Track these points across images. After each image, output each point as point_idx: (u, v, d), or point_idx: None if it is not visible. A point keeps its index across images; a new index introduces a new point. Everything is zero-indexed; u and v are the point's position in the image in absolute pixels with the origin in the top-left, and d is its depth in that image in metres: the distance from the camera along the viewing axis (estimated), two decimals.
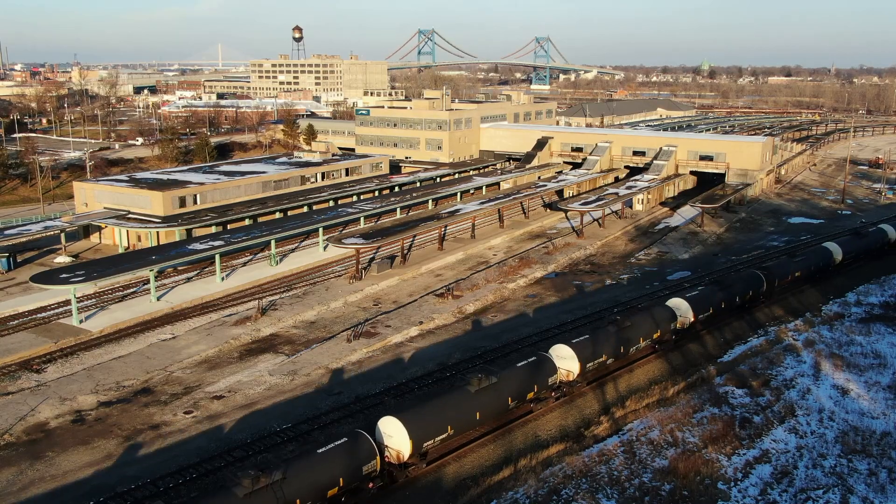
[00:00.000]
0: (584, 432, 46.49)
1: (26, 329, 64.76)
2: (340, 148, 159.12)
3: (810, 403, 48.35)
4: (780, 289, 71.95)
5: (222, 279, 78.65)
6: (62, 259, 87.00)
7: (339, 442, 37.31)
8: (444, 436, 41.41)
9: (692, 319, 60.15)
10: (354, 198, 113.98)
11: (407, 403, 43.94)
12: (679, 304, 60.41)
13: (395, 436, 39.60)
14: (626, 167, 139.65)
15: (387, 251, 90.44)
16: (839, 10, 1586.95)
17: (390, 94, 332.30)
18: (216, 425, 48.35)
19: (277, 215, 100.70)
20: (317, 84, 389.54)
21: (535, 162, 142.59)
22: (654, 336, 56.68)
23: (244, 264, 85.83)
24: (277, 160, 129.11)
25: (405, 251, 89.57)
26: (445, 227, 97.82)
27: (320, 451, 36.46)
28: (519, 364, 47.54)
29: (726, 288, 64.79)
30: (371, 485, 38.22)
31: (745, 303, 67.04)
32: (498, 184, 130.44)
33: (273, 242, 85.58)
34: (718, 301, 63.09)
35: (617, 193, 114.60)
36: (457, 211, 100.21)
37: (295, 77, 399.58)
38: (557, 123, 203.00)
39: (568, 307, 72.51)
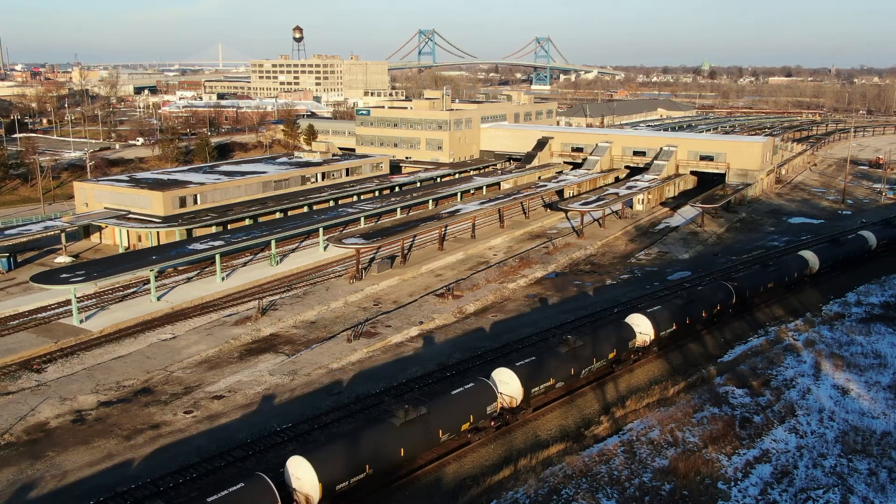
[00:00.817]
0: (584, 432, 46.48)
1: (26, 329, 64.79)
2: (341, 148, 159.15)
3: (810, 403, 48.35)
4: (752, 301, 67.88)
5: (222, 279, 78.67)
6: (62, 259, 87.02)
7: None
8: (360, 476, 37.32)
9: (653, 337, 55.85)
10: (355, 198, 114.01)
11: (319, 441, 40.19)
12: (639, 321, 55.90)
13: (303, 477, 35.55)
14: (627, 167, 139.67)
15: (387, 251, 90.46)
16: (839, 10, 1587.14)
17: (391, 95, 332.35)
18: (216, 425, 48.36)
19: (278, 215, 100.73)
20: (317, 84, 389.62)
21: (535, 162, 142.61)
22: (610, 356, 52.19)
23: (244, 264, 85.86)
24: (278, 160, 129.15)
25: (405, 251, 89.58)
26: (446, 227, 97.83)
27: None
28: (454, 392, 42.97)
29: (692, 302, 60.44)
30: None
31: (712, 317, 62.90)
32: (498, 184, 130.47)
33: (273, 242, 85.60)
34: (683, 317, 58.70)
35: (617, 193, 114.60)
36: (457, 211, 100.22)
37: (295, 77, 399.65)
38: (558, 124, 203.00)
39: (568, 307, 72.51)
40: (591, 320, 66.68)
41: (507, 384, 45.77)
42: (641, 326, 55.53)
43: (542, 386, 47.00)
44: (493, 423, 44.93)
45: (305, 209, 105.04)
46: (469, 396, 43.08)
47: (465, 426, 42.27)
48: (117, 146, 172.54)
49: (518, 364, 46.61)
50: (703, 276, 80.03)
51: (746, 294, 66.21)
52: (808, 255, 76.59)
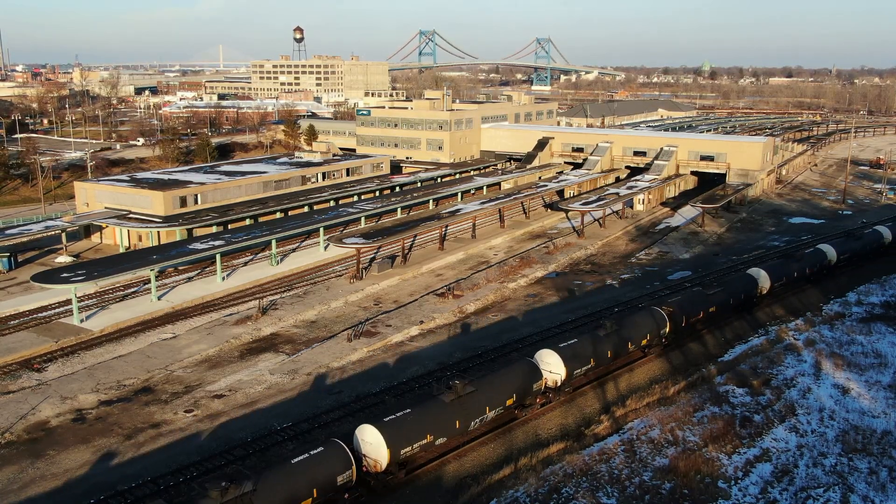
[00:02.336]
0: (584, 431, 46.49)
1: (27, 328, 64.82)
2: (341, 148, 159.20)
3: (811, 402, 48.35)
4: (691, 328, 61.16)
5: (223, 279, 78.69)
6: (63, 259, 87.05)
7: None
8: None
9: (564, 377, 48.68)
10: (355, 198, 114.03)
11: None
12: (549, 359, 48.75)
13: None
14: (627, 167, 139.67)
15: (387, 251, 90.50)
16: (840, 10, 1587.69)
17: (391, 95, 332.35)
18: (217, 424, 48.38)
19: (278, 215, 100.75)
20: (318, 85, 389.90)
21: (535, 162, 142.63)
22: (508, 403, 44.83)
23: (245, 264, 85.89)
24: (278, 160, 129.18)
25: (406, 251, 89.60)
26: (446, 226, 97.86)
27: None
28: (295, 460, 35.49)
29: (616, 332, 53.17)
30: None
31: (642, 349, 56.73)
32: (499, 184, 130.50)
33: (274, 242, 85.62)
34: (603, 351, 51.70)
35: (618, 193, 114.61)
36: (457, 211, 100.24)
37: (296, 78, 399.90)
38: (558, 124, 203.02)
39: (568, 307, 72.52)
40: (488, 358, 57.78)
41: (371, 444, 38.62)
42: (552, 364, 48.38)
43: (416, 445, 39.76)
44: (346, 496, 37.42)
45: (306, 209, 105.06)
46: (316, 463, 36.14)
47: (308, 502, 35.36)
48: (118, 146, 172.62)
49: (387, 419, 39.26)
50: (639, 300, 72.11)
51: (684, 322, 58.82)
52: (758, 273, 69.62)
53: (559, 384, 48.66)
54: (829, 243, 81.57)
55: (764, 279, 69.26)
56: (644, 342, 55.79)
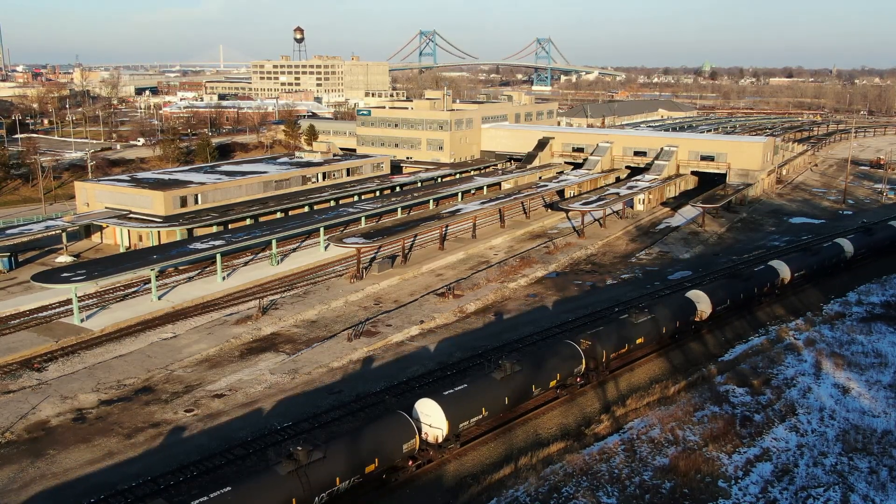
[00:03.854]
0: (584, 431, 46.50)
1: (27, 328, 64.84)
2: (342, 148, 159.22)
3: (811, 402, 48.35)
4: (609, 365, 53.65)
5: (223, 279, 78.70)
6: (63, 259, 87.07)
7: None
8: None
9: (446, 432, 41.16)
10: (355, 198, 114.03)
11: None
12: (430, 409, 41.33)
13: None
14: (628, 167, 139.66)
15: (388, 251, 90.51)
16: (840, 11, 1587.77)
17: (391, 95, 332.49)
18: (217, 423, 48.39)
19: (278, 215, 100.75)
20: (318, 85, 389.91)
21: (536, 162, 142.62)
22: (368, 470, 37.45)
23: (245, 264, 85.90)
24: (278, 160, 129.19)
25: (406, 251, 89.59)
26: (446, 226, 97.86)
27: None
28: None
29: (517, 374, 45.75)
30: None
31: (554, 389, 49.45)
32: (499, 184, 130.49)
33: (274, 242, 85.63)
34: (499, 398, 44.17)
35: (618, 193, 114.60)
36: (458, 211, 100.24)
37: (296, 78, 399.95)
38: (559, 124, 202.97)
39: (568, 306, 72.53)
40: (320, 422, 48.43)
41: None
42: (431, 417, 41.34)
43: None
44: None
45: (306, 209, 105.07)
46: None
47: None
48: (118, 146, 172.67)
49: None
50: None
51: (604, 357, 51.98)
52: (697, 295, 62.39)
53: (440, 441, 41.14)
54: (783, 259, 73.88)
55: (704, 303, 61.61)
56: (553, 383, 48.40)
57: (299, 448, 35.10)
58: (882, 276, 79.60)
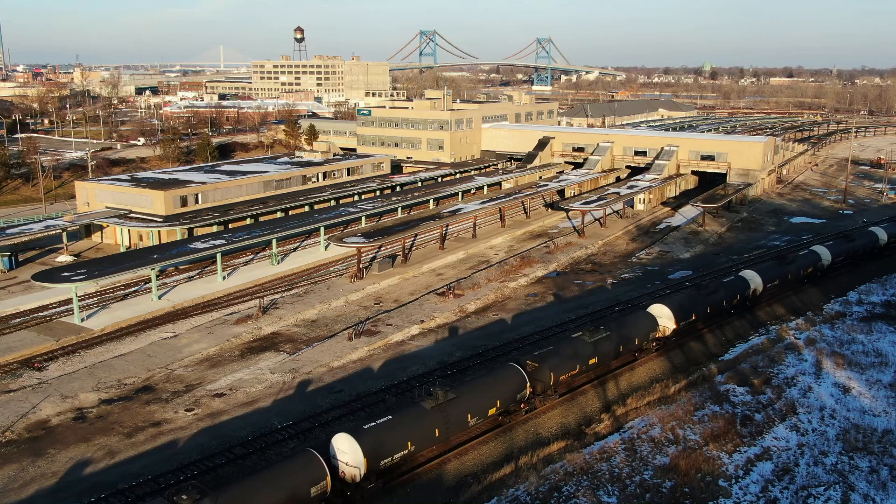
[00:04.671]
0: (585, 430, 46.50)
1: (28, 327, 64.83)
2: (342, 148, 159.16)
3: (811, 401, 48.33)
4: (557, 387, 48.95)
5: (223, 278, 78.69)
6: (64, 258, 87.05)
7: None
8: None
9: (364, 470, 37.48)
10: (356, 197, 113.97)
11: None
12: (347, 446, 37.60)
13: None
14: (628, 167, 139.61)
15: (388, 250, 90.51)
16: (841, 11, 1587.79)
17: (392, 95, 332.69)
18: (217, 422, 48.38)
19: (279, 215, 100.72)
20: (318, 85, 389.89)
21: (536, 162, 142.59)
22: None
23: (245, 263, 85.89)
24: (279, 160, 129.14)
25: (406, 250, 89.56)
26: (447, 226, 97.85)
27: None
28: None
29: (450, 403, 41.69)
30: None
31: (501, 410, 45.05)
32: (499, 183, 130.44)
33: (274, 242, 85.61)
34: (427, 430, 40.49)
35: (618, 193, 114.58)
36: (458, 210, 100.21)
37: (297, 78, 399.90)
38: (559, 124, 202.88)
39: (569, 306, 72.52)
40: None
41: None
42: (347, 454, 37.62)
43: None
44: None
45: (306, 209, 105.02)
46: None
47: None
48: (118, 146, 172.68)
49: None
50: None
51: (552, 379, 47.96)
52: (660, 311, 58.06)
53: (358, 480, 37.75)
54: (755, 269, 69.44)
55: (667, 318, 57.69)
56: (493, 410, 44.48)
57: (184, 496, 31.75)
58: (882, 276, 79.54)
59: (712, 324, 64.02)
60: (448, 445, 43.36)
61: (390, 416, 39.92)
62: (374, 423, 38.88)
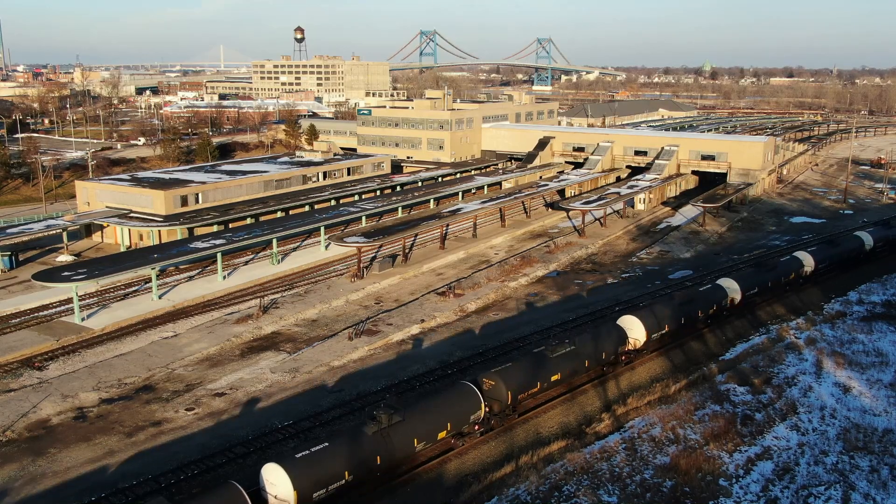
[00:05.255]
0: (585, 429, 46.48)
1: (28, 327, 64.84)
2: (342, 148, 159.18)
3: (812, 401, 48.30)
4: (519, 407, 46.29)
5: (224, 278, 78.69)
6: (64, 258, 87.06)
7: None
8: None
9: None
10: (356, 197, 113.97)
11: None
12: (276, 477, 34.74)
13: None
14: (628, 167, 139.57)
15: (388, 250, 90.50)
16: (841, 11, 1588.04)
17: (392, 95, 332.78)
18: (218, 422, 48.37)
19: (279, 214, 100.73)
20: (319, 85, 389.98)
21: (536, 162, 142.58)
22: None
23: (246, 263, 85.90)
24: (279, 160, 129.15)
25: (407, 250, 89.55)
26: (447, 226, 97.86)
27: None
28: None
29: (394, 427, 39.01)
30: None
31: (452, 433, 42.38)
32: (499, 183, 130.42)
33: (275, 241, 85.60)
34: (368, 459, 37.68)
35: (619, 193, 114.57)
36: (458, 210, 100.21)
37: (297, 78, 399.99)
38: (559, 124, 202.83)
39: (569, 305, 72.52)
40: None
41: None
42: (277, 487, 34.74)
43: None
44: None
45: (307, 208, 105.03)
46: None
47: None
48: (119, 146, 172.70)
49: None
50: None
51: (509, 399, 44.82)
52: (630, 323, 54.99)
53: None
54: (733, 277, 66.62)
55: (638, 330, 54.97)
56: (444, 434, 41.58)
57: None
58: (883, 276, 79.47)
59: (688, 334, 60.50)
60: (393, 474, 39.94)
61: (326, 444, 36.74)
62: (307, 451, 35.81)
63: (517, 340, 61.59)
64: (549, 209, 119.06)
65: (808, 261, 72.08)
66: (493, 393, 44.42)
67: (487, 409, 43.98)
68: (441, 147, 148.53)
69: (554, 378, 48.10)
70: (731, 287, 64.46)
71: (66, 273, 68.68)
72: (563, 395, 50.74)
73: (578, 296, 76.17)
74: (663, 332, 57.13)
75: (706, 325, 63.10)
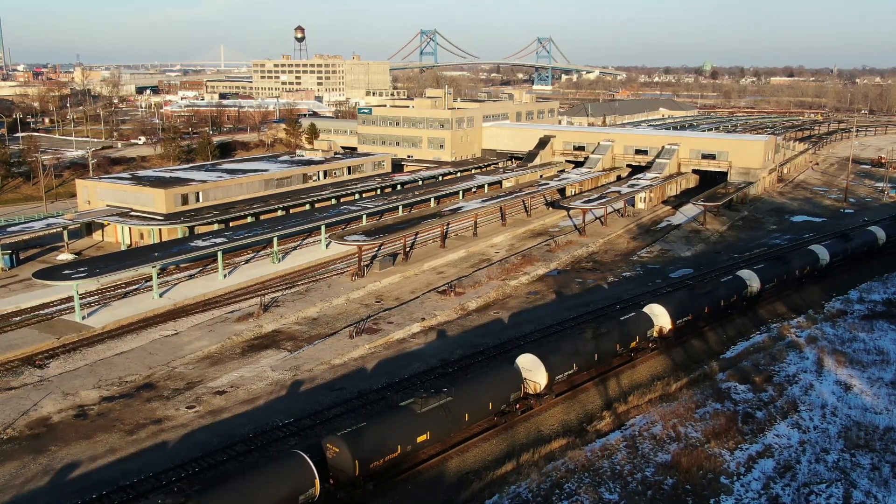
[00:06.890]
0: (586, 427, 46.48)
1: (29, 325, 64.85)
2: (343, 147, 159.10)
3: (813, 399, 48.28)
4: (368, 475, 37.69)
5: (224, 276, 78.68)
6: (65, 256, 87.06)
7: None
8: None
9: None
10: (356, 196, 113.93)
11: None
12: None
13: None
14: (629, 166, 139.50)
15: (389, 249, 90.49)
16: (841, 11, 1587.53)
17: (392, 95, 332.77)
18: (219, 420, 48.37)
19: (279, 213, 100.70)
20: (319, 84, 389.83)
21: (537, 161, 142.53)
22: None
23: (246, 262, 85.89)
24: (280, 159, 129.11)
25: (407, 248, 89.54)
26: (447, 224, 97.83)
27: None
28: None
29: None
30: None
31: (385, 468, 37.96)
32: (500, 182, 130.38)
33: (275, 240, 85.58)
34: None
35: (619, 192, 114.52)
36: (459, 209, 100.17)
37: (297, 77, 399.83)
38: (560, 123, 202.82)
39: (569, 304, 72.49)
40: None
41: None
42: None
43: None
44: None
45: (307, 207, 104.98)
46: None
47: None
48: (119, 145, 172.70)
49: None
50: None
51: (356, 470, 36.67)
52: (529, 363, 47.47)
53: None
54: (659, 302, 59.42)
55: (539, 373, 47.13)
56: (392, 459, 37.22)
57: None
58: (884, 275, 79.43)
59: (602, 373, 53.39)
60: None
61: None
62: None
63: (518, 339, 61.55)
64: (550, 208, 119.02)
65: (754, 281, 68.68)
66: (337, 462, 36.56)
67: (333, 482, 36.34)
68: (441, 146, 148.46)
69: (420, 439, 39.24)
70: (660, 315, 57.77)
71: (66, 271, 68.68)
72: (434, 456, 41.52)
73: (579, 294, 76.12)
74: (572, 371, 49.33)
75: (630, 359, 55.73)
